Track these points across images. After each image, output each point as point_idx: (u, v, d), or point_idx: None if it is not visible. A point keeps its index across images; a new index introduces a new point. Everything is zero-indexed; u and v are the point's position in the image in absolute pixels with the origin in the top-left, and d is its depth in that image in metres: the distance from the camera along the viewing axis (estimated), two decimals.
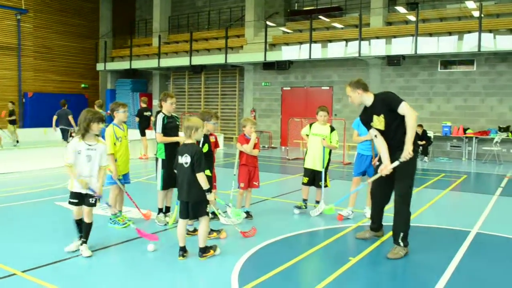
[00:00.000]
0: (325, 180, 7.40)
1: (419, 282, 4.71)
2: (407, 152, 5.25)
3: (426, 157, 15.98)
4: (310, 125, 7.68)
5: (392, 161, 5.45)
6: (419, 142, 15.97)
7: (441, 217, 7.63)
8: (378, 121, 5.49)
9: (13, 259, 5.16)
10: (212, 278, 4.72)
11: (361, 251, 5.60)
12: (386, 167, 5.47)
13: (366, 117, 5.67)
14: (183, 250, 5.22)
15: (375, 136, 5.59)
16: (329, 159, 7.53)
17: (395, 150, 5.44)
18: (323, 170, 7.41)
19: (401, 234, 5.46)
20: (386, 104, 5.42)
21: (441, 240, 6.27)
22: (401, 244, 5.47)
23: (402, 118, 5.30)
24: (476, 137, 16.23)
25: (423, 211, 7.95)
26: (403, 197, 5.49)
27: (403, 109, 5.25)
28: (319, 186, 7.50)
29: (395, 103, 5.31)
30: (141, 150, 15.04)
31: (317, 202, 7.57)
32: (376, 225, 6.08)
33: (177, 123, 6.87)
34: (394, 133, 5.43)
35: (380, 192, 5.86)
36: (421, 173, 13.37)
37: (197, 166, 5.05)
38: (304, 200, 7.67)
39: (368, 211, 6.96)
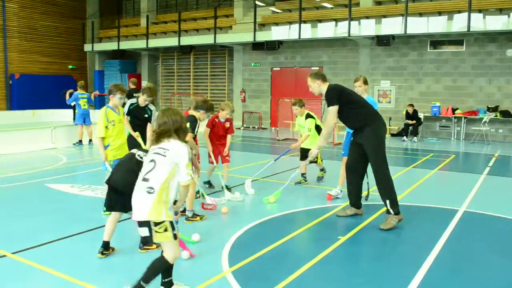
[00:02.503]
0: (317, 158, 8.13)
1: (408, 259, 4.77)
2: (315, 150, 6.29)
3: (415, 137, 16.07)
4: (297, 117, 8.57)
5: (355, 139, 6.09)
6: (409, 122, 16.09)
7: (429, 196, 7.69)
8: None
9: (3, 240, 5.14)
10: (203, 259, 4.72)
11: (350, 230, 5.65)
12: (314, 151, 6.35)
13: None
14: (105, 247, 4.68)
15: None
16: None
17: (354, 133, 6.12)
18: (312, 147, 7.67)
19: (388, 202, 5.72)
20: (326, 99, 6.01)
21: (429, 219, 6.35)
22: (391, 211, 5.69)
23: (348, 105, 5.87)
24: (464, 117, 16.31)
25: (412, 190, 8.01)
26: (378, 167, 5.84)
27: (328, 113, 5.87)
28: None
29: (328, 102, 5.92)
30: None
31: (302, 175, 8.46)
32: (355, 200, 6.25)
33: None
34: (345, 120, 6.07)
35: (355, 166, 6.15)
36: (411, 153, 13.48)
37: None
38: (303, 175, 8.47)
39: (336, 191, 7.32)
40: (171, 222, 3.51)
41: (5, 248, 4.85)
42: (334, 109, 5.80)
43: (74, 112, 14.56)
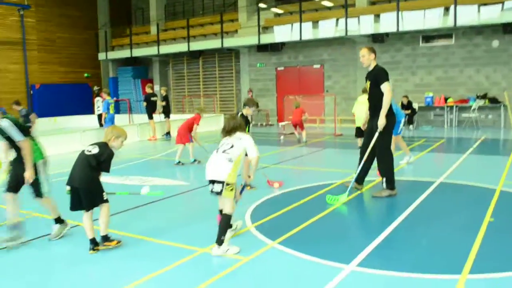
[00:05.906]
0: None
1: (388, 213, 6.22)
2: (381, 123, 6.89)
3: (411, 125, 17.41)
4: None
5: (371, 118, 7.19)
6: (404, 111, 17.41)
7: (414, 171, 9.07)
8: (368, 84, 7.19)
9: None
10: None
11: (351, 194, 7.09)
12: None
13: (366, 78, 7.25)
14: (94, 243, 5.08)
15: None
16: None
17: (372, 112, 7.18)
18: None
19: (385, 179, 7.09)
20: (375, 76, 7.02)
21: (411, 188, 7.77)
22: (385, 187, 7.10)
23: (379, 89, 6.90)
24: (456, 106, 17.65)
25: (401, 168, 9.38)
26: (383, 149, 7.03)
27: (384, 88, 6.89)
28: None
29: (381, 80, 6.91)
30: (150, 132, 16.44)
31: None
32: (361, 177, 7.45)
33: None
34: (371, 98, 7.14)
35: (365, 147, 7.33)
36: (407, 139, 14.78)
37: (106, 168, 5.16)
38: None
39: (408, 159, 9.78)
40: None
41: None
42: (389, 84, 6.89)
43: (100, 117, 16.04)
